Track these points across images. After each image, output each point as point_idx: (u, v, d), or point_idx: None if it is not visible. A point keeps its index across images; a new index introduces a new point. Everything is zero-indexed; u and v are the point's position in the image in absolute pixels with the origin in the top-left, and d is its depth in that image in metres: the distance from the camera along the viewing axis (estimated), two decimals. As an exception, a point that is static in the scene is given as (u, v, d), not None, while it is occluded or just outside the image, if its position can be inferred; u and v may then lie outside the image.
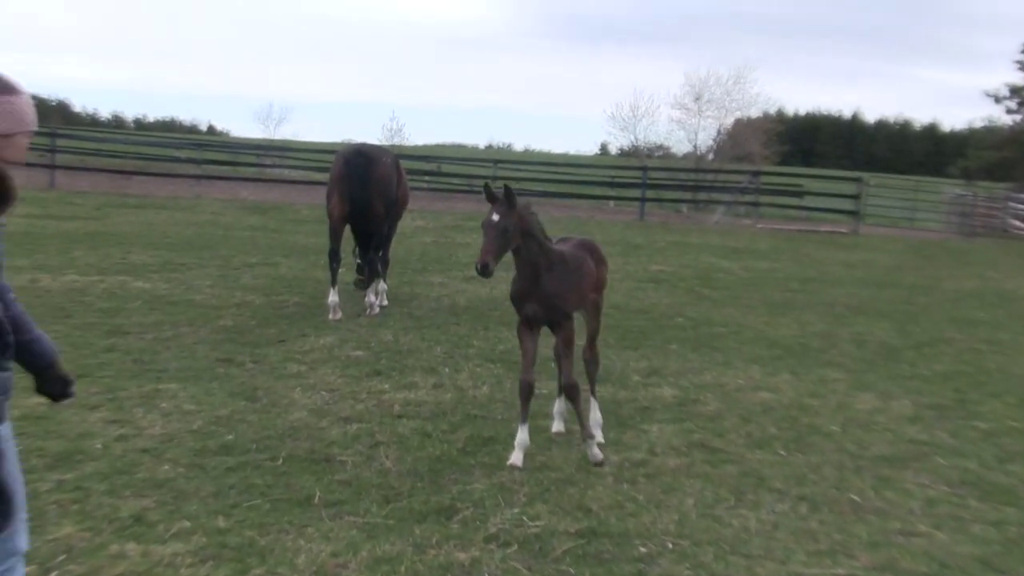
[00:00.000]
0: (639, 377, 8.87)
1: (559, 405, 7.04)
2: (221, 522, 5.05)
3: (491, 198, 5.92)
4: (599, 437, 6.79)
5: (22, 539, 3.22)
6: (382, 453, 6.35)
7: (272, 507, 5.32)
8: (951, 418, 8.07)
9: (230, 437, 6.46)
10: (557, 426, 7.01)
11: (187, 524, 5.00)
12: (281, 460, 6.08)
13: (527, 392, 6.32)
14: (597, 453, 6.38)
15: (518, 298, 6.27)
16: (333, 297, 10.84)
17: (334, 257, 11.03)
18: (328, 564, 4.64)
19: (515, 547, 4.97)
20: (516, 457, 6.23)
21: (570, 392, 6.36)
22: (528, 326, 6.32)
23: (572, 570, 4.76)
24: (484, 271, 5.72)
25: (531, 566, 4.78)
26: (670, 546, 5.10)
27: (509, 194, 5.87)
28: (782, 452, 6.87)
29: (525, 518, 5.35)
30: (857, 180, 31.63)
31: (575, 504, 5.62)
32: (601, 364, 7.27)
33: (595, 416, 6.90)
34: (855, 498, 6.00)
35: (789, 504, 5.84)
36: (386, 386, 7.93)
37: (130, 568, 4.45)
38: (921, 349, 11.08)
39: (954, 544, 5.38)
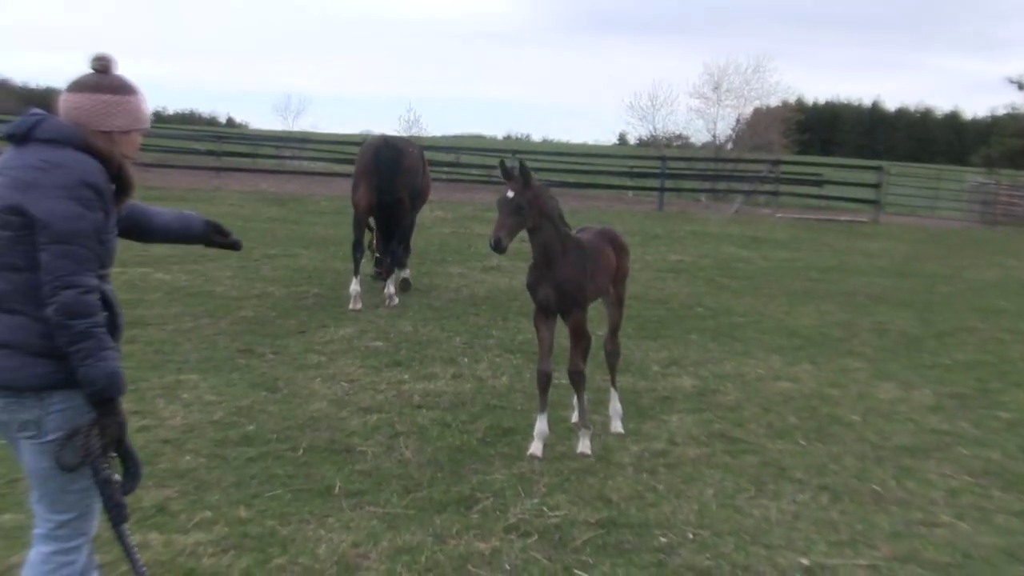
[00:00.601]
0: (659, 367, 8.85)
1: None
2: (243, 512, 5.08)
3: (506, 175, 5.90)
4: (620, 428, 6.80)
5: (94, 523, 3.40)
6: (402, 443, 6.36)
7: (293, 497, 5.34)
8: (973, 408, 8.01)
9: (251, 428, 6.50)
10: (575, 417, 6.95)
11: (209, 514, 5.03)
12: (302, 450, 6.11)
13: (545, 382, 6.31)
14: (587, 446, 6.35)
15: (533, 284, 6.23)
16: (355, 287, 10.92)
17: (357, 248, 11.08)
18: (349, 554, 4.65)
19: (535, 537, 4.98)
20: (536, 447, 6.24)
21: (574, 379, 6.36)
22: (544, 315, 6.28)
23: (592, 560, 4.76)
24: (497, 246, 5.71)
25: (551, 556, 4.78)
26: (690, 536, 5.10)
27: (524, 171, 5.85)
28: (803, 442, 6.84)
29: (545, 508, 5.36)
30: (878, 169, 31.42)
31: (595, 494, 5.61)
32: (621, 355, 7.22)
33: (615, 406, 6.91)
34: (877, 488, 5.97)
35: (810, 494, 5.82)
36: (406, 376, 7.95)
37: (153, 557, 4.47)
38: (943, 338, 11.01)
39: (977, 534, 5.34)
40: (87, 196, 3.10)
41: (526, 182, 5.83)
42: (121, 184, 3.28)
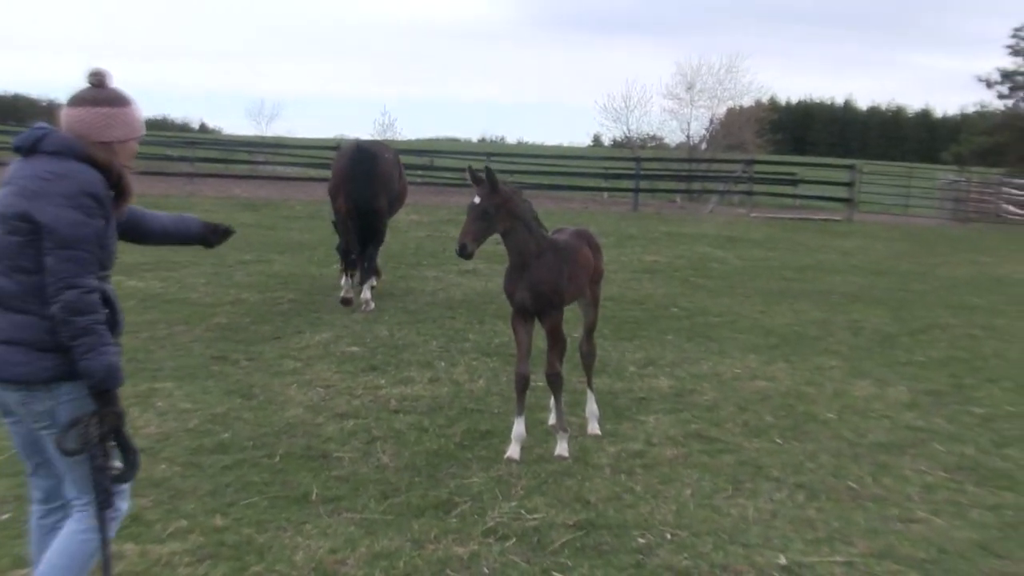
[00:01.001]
0: (635, 368, 8.86)
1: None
2: (219, 520, 5.04)
3: (475, 180, 5.87)
4: (597, 429, 6.79)
5: (124, 501, 3.75)
6: (379, 448, 6.34)
7: (270, 504, 5.31)
8: (948, 404, 8.07)
9: (226, 435, 6.45)
10: (553, 419, 6.91)
11: (184, 523, 4.99)
12: (278, 457, 6.07)
13: (522, 385, 6.28)
14: (564, 448, 6.31)
15: (510, 287, 6.21)
16: (346, 282, 11.24)
17: (346, 253, 11.29)
18: (327, 560, 4.63)
19: (513, 540, 4.97)
20: (513, 450, 6.22)
21: (552, 381, 6.34)
22: (521, 317, 6.24)
23: (571, 562, 4.75)
24: (463, 251, 5.69)
25: (530, 559, 4.78)
26: (668, 536, 5.10)
27: (491, 176, 5.81)
28: (779, 440, 6.87)
29: (523, 511, 5.35)
30: (851, 167, 31.62)
31: (573, 496, 5.61)
32: (597, 356, 7.23)
33: (592, 408, 6.89)
34: (853, 485, 6.00)
35: (787, 492, 5.84)
36: (382, 381, 7.92)
37: (128, 568, 4.43)
38: (917, 336, 11.09)
39: (952, 529, 5.38)
40: (88, 204, 3.36)
41: (493, 187, 5.80)
42: (120, 191, 3.53)
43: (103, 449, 3.45)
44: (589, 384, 6.98)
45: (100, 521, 3.54)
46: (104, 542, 3.58)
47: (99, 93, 3.53)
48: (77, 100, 3.50)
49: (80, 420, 3.38)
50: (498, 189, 5.82)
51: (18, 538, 4.61)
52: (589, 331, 6.97)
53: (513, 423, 6.37)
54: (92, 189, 3.39)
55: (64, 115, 3.50)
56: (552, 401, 6.61)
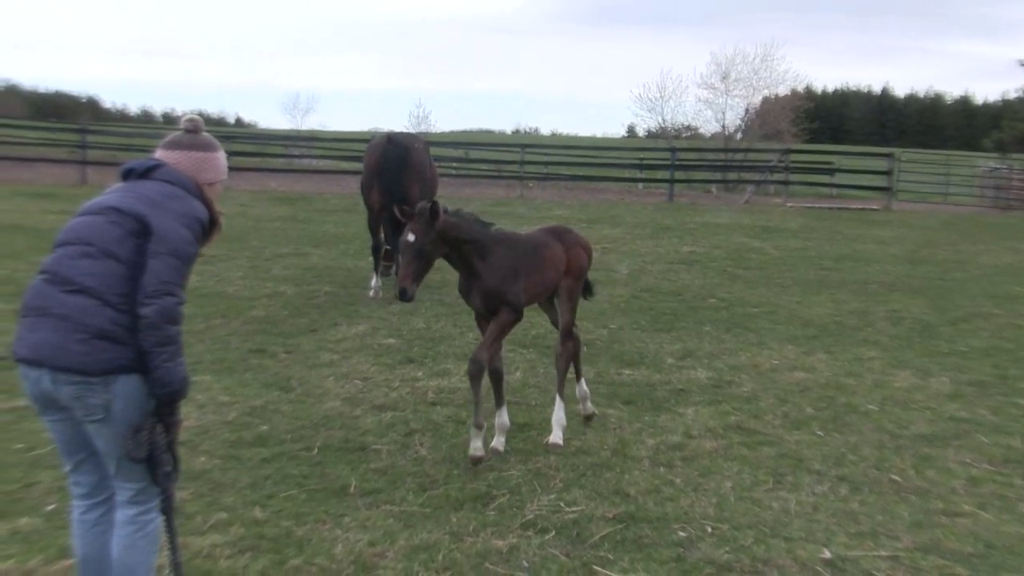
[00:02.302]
0: (673, 359, 8.80)
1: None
2: (258, 513, 5.06)
3: (404, 216, 5.64)
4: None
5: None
6: (417, 441, 6.33)
7: (308, 497, 5.32)
8: (992, 395, 7.94)
9: (265, 428, 6.48)
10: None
11: (224, 515, 5.01)
12: (316, 450, 6.09)
13: (495, 376, 6.14)
14: (479, 449, 5.86)
15: (464, 291, 6.03)
16: (376, 282, 11.32)
17: (376, 250, 11.33)
18: (366, 553, 4.63)
19: (552, 533, 4.94)
20: (497, 441, 6.15)
21: (471, 368, 5.87)
22: (484, 317, 6.09)
23: (611, 556, 4.72)
24: (403, 296, 5.48)
25: (569, 552, 4.75)
26: (709, 530, 5.05)
27: (433, 210, 5.49)
28: (820, 432, 6.79)
29: (562, 504, 5.32)
30: (888, 156, 31.22)
31: (612, 489, 5.58)
32: (578, 353, 6.79)
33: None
34: (896, 478, 5.92)
35: (829, 485, 5.77)
36: (419, 374, 7.92)
37: (169, 564, 4.45)
38: (958, 325, 10.92)
39: (1000, 523, 5.28)
40: (196, 229, 3.65)
41: (430, 223, 5.50)
42: (212, 226, 3.82)
43: (169, 456, 3.58)
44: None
45: (167, 524, 3.68)
46: (174, 543, 3.71)
47: (195, 139, 3.86)
48: (174, 144, 3.83)
49: (144, 427, 3.48)
50: (435, 224, 5.51)
51: (63, 529, 4.64)
52: (565, 332, 6.61)
53: (496, 414, 6.23)
54: (201, 217, 3.70)
55: (161, 157, 3.80)
56: (488, 394, 6.21)
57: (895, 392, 7.89)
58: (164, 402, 3.51)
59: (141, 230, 3.50)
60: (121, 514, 3.66)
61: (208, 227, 3.78)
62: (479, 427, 5.89)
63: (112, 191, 3.72)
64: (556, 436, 6.37)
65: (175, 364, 3.48)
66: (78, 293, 3.43)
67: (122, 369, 3.44)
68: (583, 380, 6.84)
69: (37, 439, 5.89)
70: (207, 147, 3.88)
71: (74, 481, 3.76)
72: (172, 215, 3.56)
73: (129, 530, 3.64)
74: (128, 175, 3.76)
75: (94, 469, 3.69)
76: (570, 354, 6.66)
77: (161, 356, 3.43)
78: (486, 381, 6.02)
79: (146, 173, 3.72)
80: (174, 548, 3.73)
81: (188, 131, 3.88)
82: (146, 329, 3.41)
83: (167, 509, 3.66)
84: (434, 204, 5.51)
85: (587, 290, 6.93)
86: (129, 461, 3.50)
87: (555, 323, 6.86)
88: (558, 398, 6.51)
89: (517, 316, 6.02)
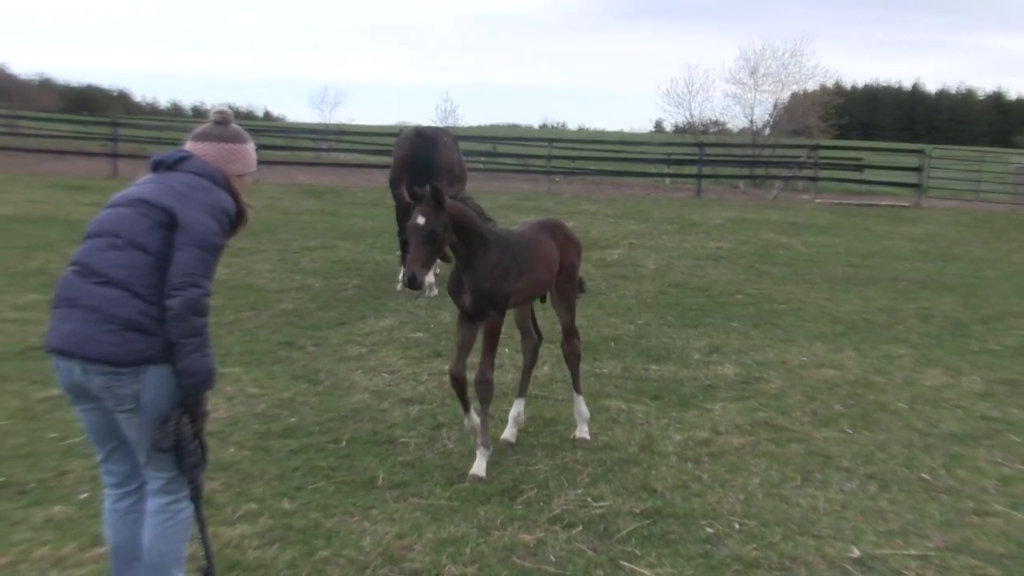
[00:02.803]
0: (700, 355, 8.77)
1: (515, 408, 6.39)
2: (287, 504, 5.09)
3: (414, 198, 5.35)
4: (586, 434, 6.35)
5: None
6: (444, 435, 6.35)
7: (336, 489, 5.35)
8: (1024, 394, 7.85)
9: (293, 420, 6.51)
10: (508, 432, 6.34)
11: (254, 506, 5.05)
12: (344, 442, 6.12)
13: (457, 386, 5.83)
14: (482, 468, 5.63)
15: (453, 288, 5.77)
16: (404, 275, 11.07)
17: (405, 246, 11.25)
18: (394, 546, 4.65)
19: (580, 528, 4.94)
20: (480, 461, 5.67)
21: (480, 389, 5.74)
22: (466, 317, 5.81)
23: (638, 551, 4.72)
24: (412, 283, 5.20)
25: (596, 547, 4.75)
26: (737, 526, 5.04)
27: (437, 193, 5.24)
28: (848, 430, 6.75)
29: (589, 499, 5.32)
30: (919, 152, 30.94)
31: (639, 484, 5.57)
32: (581, 357, 6.63)
33: (581, 410, 6.43)
34: (926, 477, 5.87)
35: (857, 483, 5.74)
36: (447, 367, 7.91)
37: (198, 549, 4.48)
38: (990, 323, 10.81)
39: (1031, 523, 5.23)
40: (224, 221, 3.67)
41: (439, 205, 5.26)
42: (240, 218, 3.83)
43: (196, 446, 3.61)
44: (576, 387, 6.50)
45: (196, 514, 3.72)
46: (204, 532, 3.76)
47: (224, 131, 3.88)
48: (203, 136, 3.85)
49: (171, 418, 3.50)
50: (444, 206, 5.27)
51: (95, 517, 4.69)
52: (567, 332, 6.45)
53: (465, 419, 6.01)
54: (229, 209, 3.71)
55: (190, 148, 3.82)
56: (476, 412, 5.94)
57: (925, 390, 7.83)
58: (190, 393, 3.54)
59: (168, 222, 3.53)
60: (152, 503, 3.70)
61: (236, 219, 3.80)
62: (487, 447, 5.73)
63: (141, 183, 3.75)
64: (582, 431, 6.36)
65: (202, 355, 3.50)
66: (107, 284, 3.46)
67: (151, 360, 3.47)
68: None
69: (70, 428, 5.95)
70: (236, 139, 3.90)
71: (106, 470, 3.80)
72: (199, 206, 3.59)
73: (160, 519, 3.67)
74: (157, 167, 3.79)
75: (125, 459, 3.73)
76: (578, 353, 6.51)
77: (187, 347, 3.46)
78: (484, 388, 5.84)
79: (175, 165, 3.75)
80: (204, 537, 3.77)
81: (217, 123, 3.90)
82: (172, 320, 3.44)
83: (195, 499, 3.70)
84: (434, 187, 5.27)
85: (579, 286, 6.56)
86: (156, 451, 3.54)
87: (520, 324, 6.52)
88: (577, 395, 6.46)
89: (502, 319, 5.78)
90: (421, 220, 5.23)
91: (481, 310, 5.66)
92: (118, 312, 3.43)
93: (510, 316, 6.20)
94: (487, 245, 5.60)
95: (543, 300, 6.47)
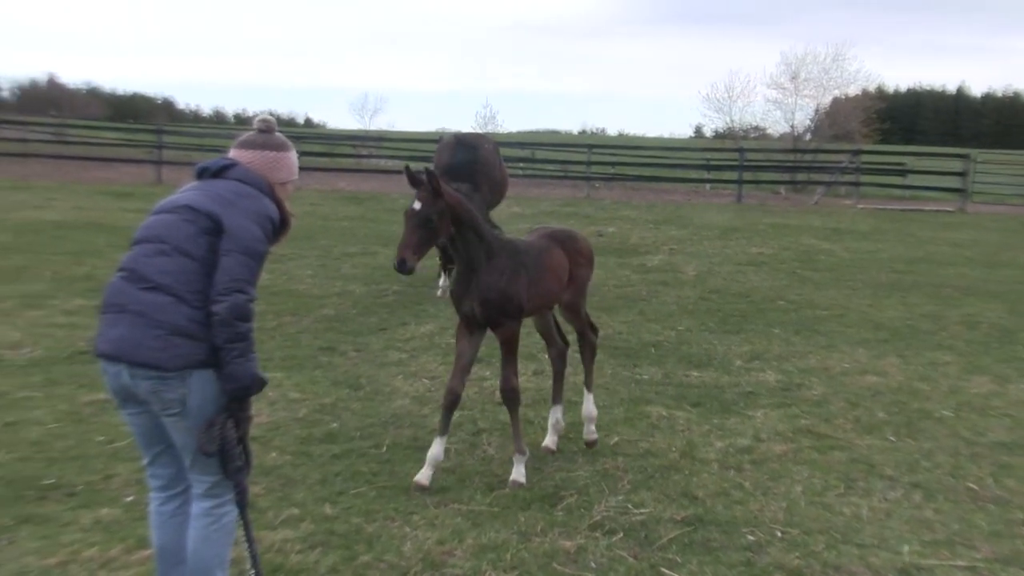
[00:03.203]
0: (741, 362, 8.71)
1: (553, 415, 6.33)
2: (328, 509, 5.12)
3: (413, 182, 5.26)
4: (593, 435, 6.25)
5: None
6: (484, 440, 6.37)
7: (377, 495, 5.37)
8: (1073, 402, 7.71)
9: (335, 425, 6.56)
10: (549, 439, 6.30)
11: (295, 511, 5.09)
12: (385, 448, 6.15)
13: (451, 401, 5.62)
14: (521, 473, 5.63)
15: (457, 295, 5.63)
16: (444, 281, 11.38)
17: (446, 251, 11.36)
18: (434, 551, 4.66)
19: (620, 535, 4.93)
20: (423, 475, 5.52)
21: (507, 397, 5.69)
22: (467, 328, 5.66)
23: (679, 559, 4.69)
24: (402, 267, 5.10)
25: (637, 554, 4.73)
26: (779, 534, 5.00)
27: (432, 178, 5.17)
28: (892, 438, 6.67)
29: (630, 505, 5.31)
30: (964, 157, 30.52)
31: (680, 491, 5.54)
32: (596, 354, 6.57)
33: (588, 409, 6.30)
34: (972, 486, 5.79)
35: (902, 492, 5.67)
36: (487, 373, 7.95)
37: (242, 553, 4.52)
38: (1038, 330, 10.64)
39: (1081, 534, 5.14)
40: (268, 228, 3.72)
41: (436, 191, 5.17)
42: (283, 225, 3.88)
43: (240, 450, 3.64)
44: (586, 383, 6.38)
45: (243, 518, 3.77)
46: (250, 536, 3.82)
47: (268, 139, 3.93)
48: (248, 144, 3.90)
49: (216, 423, 3.54)
50: (441, 192, 5.19)
51: (141, 520, 4.76)
52: (581, 332, 6.36)
53: (433, 442, 5.66)
54: (273, 216, 3.76)
55: (235, 156, 3.87)
56: (511, 419, 5.82)
57: (971, 398, 7.72)
58: (235, 398, 3.57)
59: (214, 228, 3.57)
60: (196, 507, 3.74)
61: (279, 226, 3.83)
62: (523, 453, 5.71)
63: (186, 189, 3.80)
64: (589, 431, 6.26)
65: (246, 360, 3.53)
66: (154, 290, 3.50)
67: (198, 364, 3.50)
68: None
69: (117, 432, 6.04)
70: (280, 147, 3.94)
71: (152, 473, 3.85)
72: (244, 213, 3.63)
73: (204, 522, 3.71)
74: (202, 174, 3.84)
75: (171, 462, 3.77)
76: (594, 345, 6.44)
77: (232, 352, 3.49)
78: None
79: (220, 172, 3.80)
80: (250, 541, 3.81)
81: (262, 131, 3.95)
82: (218, 326, 3.47)
83: (241, 503, 3.74)
84: (430, 173, 5.20)
85: None
86: (201, 455, 3.57)
87: (542, 332, 6.48)
88: (586, 392, 6.35)
89: (519, 328, 5.69)
90: (417, 205, 5.17)
91: (493, 320, 5.55)
92: (165, 318, 3.47)
93: (530, 324, 6.16)
94: (490, 249, 5.48)
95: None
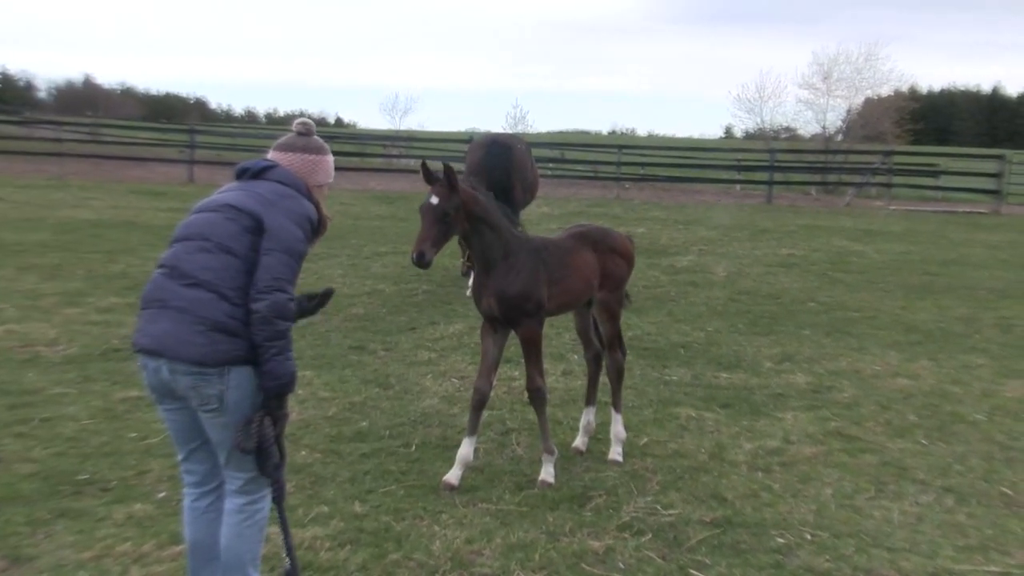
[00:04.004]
0: (771, 363, 8.68)
1: (585, 417, 6.34)
2: (358, 507, 5.16)
3: (428, 178, 5.25)
4: (619, 456, 6.09)
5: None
6: (513, 440, 6.38)
7: (406, 493, 5.40)
8: (1109, 407, 7.62)
9: (364, 424, 6.60)
10: (579, 440, 6.32)
11: (325, 509, 5.12)
12: (414, 447, 6.18)
13: (479, 401, 5.65)
14: (550, 473, 5.65)
15: (476, 293, 5.63)
16: (474, 280, 11.15)
17: None
18: (463, 550, 4.68)
19: (649, 536, 4.93)
20: (452, 474, 5.55)
21: (533, 397, 5.70)
22: (491, 327, 5.65)
23: (708, 560, 4.69)
24: (420, 260, 5.13)
25: (665, 555, 4.73)
26: (808, 537, 4.98)
27: (449, 173, 5.17)
28: (924, 441, 6.62)
29: (658, 506, 5.30)
30: (999, 158, 30.18)
31: (709, 493, 5.53)
32: (624, 373, 6.44)
33: (617, 430, 6.19)
34: (1007, 491, 5.73)
35: (934, 496, 5.62)
36: (516, 373, 7.96)
37: (272, 550, 4.56)
38: (1073, 334, 10.50)
39: (1116, 540, 5.07)
40: (307, 229, 3.78)
41: (452, 186, 5.18)
42: (320, 227, 3.94)
43: (278, 447, 3.69)
44: (615, 405, 6.27)
45: (280, 514, 3.82)
46: (286, 532, 3.86)
47: (308, 142, 3.99)
48: (288, 147, 3.97)
49: (253, 420, 3.58)
50: (457, 188, 5.20)
51: (173, 516, 4.82)
52: (609, 344, 6.21)
53: (462, 442, 5.70)
54: (312, 217, 3.83)
55: (274, 158, 3.95)
56: (538, 419, 5.84)
57: (1005, 402, 7.64)
58: (273, 395, 3.60)
59: (256, 227, 3.62)
60: (230, 503, 3.78)
61: (316, 227, 3.89)
62: (551, 452, 5.71)
63: (227, 190, 3.84)
64: (615, 452, 6.11)
65: (285, 358, 3.57)
66: (196, 287, 3.55)
67: (237, 360, 3.55)
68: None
69: (150, 428, 6.12)
70: (319, 150, 4.00)
71: (186, 469, 3.89)
72: (285, 214, 3.69)
73: (238, 519, 3.75)
74: (242, 175, 3.90)
75: (206, 458, 3.82)
76: (619, 366, 6.27)
77: (271, 350, 3.53)
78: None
79: (260, 173, 3.86)
80: (286, 537, 3.86)
81: (300, 134, 4.00)
82: (258, 324, 3.51)
83: (278, 499, 3.79)
84: (447, 167, 5.20)
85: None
86: (239, 452, 3.61)
87: (580, 333, 6.44)
88: (616, 414, 6.22)
89: (540, 326, 5.63)
90: (434, 200, 5.17)
91: (512, 318, 5.53)
92: (207, 313, 3.52)
93: (560, 325, 6.14)
94: (508, 246, 5.47)
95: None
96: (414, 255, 5.17)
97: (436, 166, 5.35)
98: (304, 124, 4.03)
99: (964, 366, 8.79)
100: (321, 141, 4.05)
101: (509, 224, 5.60)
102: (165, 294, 3.59)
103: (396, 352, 8.63)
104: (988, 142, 77.94)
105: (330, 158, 4.06)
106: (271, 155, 3.96)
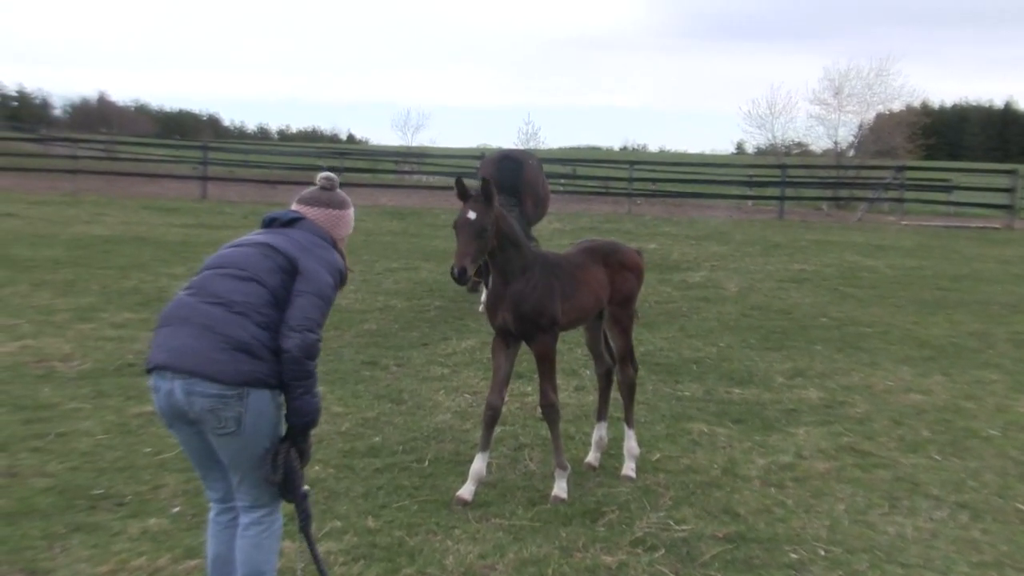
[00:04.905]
0: (783, 379, 8.67)
1: (597, 432, 6.34)
2: (371, 522, 5.17)
3: (463, 195, 5.28)
4: (632, 472, 6.06)
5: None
6: (526, 455, 6.39)
7: (420, 508, 5.42)
8: (1124, 422, 7.58)
9: (377, 439, 6.62)
10: (592, 455, 6.33)
11: (339, 523, 5.14)
12: (427, 462, 6.20)
13: (491, 417, 5.65)
14: (563, 488, 5.65)
15: (491, 306, 5.65)
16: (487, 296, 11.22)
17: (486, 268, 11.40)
18: (476, 565, 4.69)
19: (662, 551, 4.93)
20: (466, 490, 5.56)
21: (547, 413, 5.72)
22: (503, 341, 5.66)
23: (721, 575, 4.69)
24: (462, 276, 5.14)
25: (678, 571, 4.73)
26: (822, 553, 4.97)
27: (487, 189, 5.24)
28: (937, 457, 6.61)
29: (671, 522, 5.30)
30: (1011, 173, 30.09)
31: (722, 508, 5.53)
32: (636, 388, 6.44)
33: (630, 446, 6.18)
34: (1021, 507, 5.72)
35: (948, 511, 5.61)
36: (528, 388, 7.98)
37: (286, 564, 4.59)
38: (1087, 349, 10.46)
39: None
40: (337, 279, 3.92)
41: (488, 202, 5.24)
42: (343, 279, 4.05)
43: (302, 478, 3.80)
44: (627, 420, 6.26)
45: (307, 538, 3.95)
46: (316, 555, 4.00)
47: (332, 196, 4.14)
48: (314, 201, 4.09)
49: (280, 452, 3.70)
50: (493, 203, 5.26)
51: (188, 530, 4.86)
52: (621, 359, 6.20)
53: (475, 457, 5.71)
54: (341, 268, 3.98)
55: (300, 210, 4.07)
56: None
57: (1019, 417, 7.62)
58: (298, 430, 3.71)
59: (290, 268, 3.74)
60: (246, 517, 3.83)
61: (343, 278, 4.03)
62: (564, 468, 5.70)
63: (259, 233, 3.95)
64: (628, 468, 6.09)
65: (312, 396, 3.69)
66: (221, 305, 3.61)
67: (257, 383, 3.59)
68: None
69: (164, 443, 6.15)
70: (342, 205, 4.14)
71: (208, 486, 3.95)
72: (319, 260, 3.83)
73: (256, 531, 3.81)
74: (271, 223, 4.02)
75: (223, 477, 3.86)
76: (631, 383, 6.28)
77: (299, 389, 3.64)
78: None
79: (289, 223, 3.99)
80: (316, 560, 3.99)
81: (324, 188, 4.14)
82: (288, 363, 3.60)
83: (305, 525, 3.90)
84: (486, 182, 5.26)
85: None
86: (266, 484, 3.71)
87: (591, 347, 6.46)
88: (628, 430, 6.22)
89: (555, 342, 5.65)
90: (472, 215, 5.20)
91: (527, 333, 5.55)
92: (231, 332, 3.57)
93: (572, 340, 6.17)
94: (526, 262, 5.51)
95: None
96: (455, 270, 5.17)
97: (471, 183, 5.40)
98: (328, 179, 4.17)
99: (977, 381, 8.77)
100: (344, 195, 4.19)
101: (526, 240, 5.63)
102: (188, 311, 3.64)
103: (409, 367, 8.66)
104: (1000, 157, 77.77)
105: (351, 211, 4.20)
106: (296, 207, 4.08)
